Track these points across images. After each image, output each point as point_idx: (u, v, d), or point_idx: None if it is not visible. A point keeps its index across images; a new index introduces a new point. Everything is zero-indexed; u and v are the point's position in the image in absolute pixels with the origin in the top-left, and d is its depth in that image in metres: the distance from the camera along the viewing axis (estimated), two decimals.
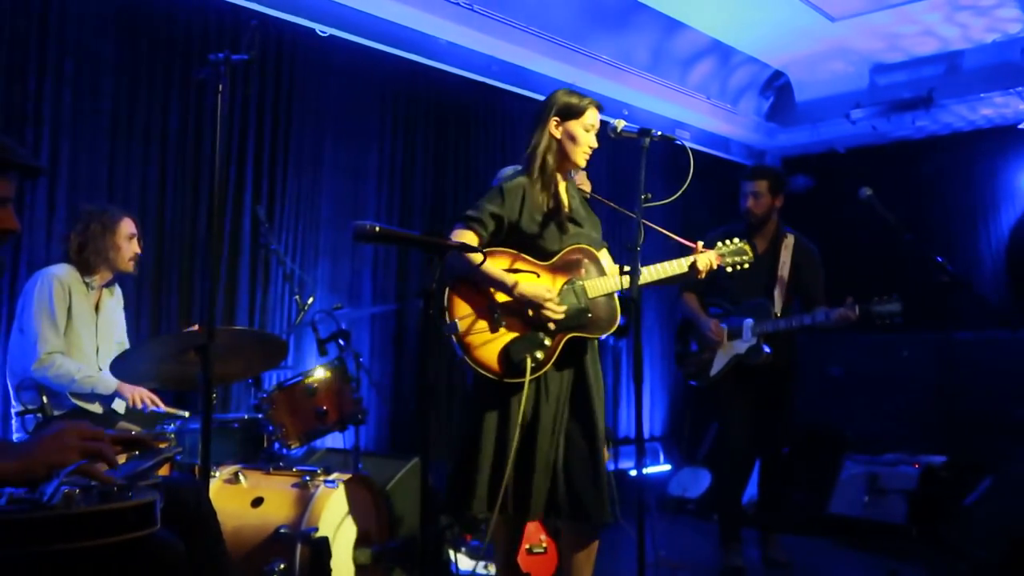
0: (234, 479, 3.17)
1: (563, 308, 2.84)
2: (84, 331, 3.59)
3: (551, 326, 2.84)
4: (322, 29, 5.00)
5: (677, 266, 3.10)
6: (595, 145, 2.99)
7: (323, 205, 5.28)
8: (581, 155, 2.97)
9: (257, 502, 3.09)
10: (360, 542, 3.21)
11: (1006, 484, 4.27)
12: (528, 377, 2.78)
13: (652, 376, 7.33)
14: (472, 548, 4.18)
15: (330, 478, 3.15)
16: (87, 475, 1.48)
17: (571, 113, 2.97)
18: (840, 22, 6.26)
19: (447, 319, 2.83)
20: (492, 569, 3.81)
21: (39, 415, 3.36)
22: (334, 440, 4.52)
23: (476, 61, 5.78)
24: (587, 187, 3.24)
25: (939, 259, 3.99)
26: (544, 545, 3.81)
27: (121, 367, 3.14)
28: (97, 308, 3.71)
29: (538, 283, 2.88)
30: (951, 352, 6.18)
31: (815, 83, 7.39)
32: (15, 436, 3.49)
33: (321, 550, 2.90)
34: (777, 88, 7.71)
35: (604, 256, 3.08)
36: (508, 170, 4.03)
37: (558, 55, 5.88)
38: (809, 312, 4.23)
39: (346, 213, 5.37)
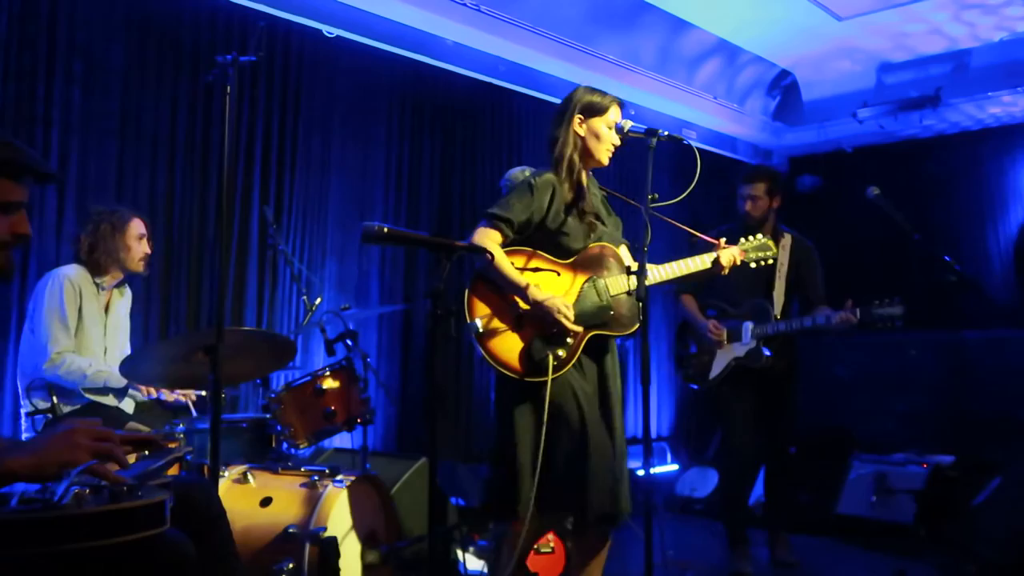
0: (243, 479, 3.18)
1: (576, 324, 2.82)
2: (93, 331, 3.61)
3: (569, 339, 2.82)
4: (329, 30, 5.02)
5: (700, 262, 3.07)
6: (618, 143, 2.97)
7: (331, 206, 5.29)
8: (605, 152, 2.96)
9: (266, 502, 3.09)
10: (368, 542, 3.22)
11: (1015, 484, 4.25)
12: (550, 376, 2.76)
13: (659, 376, 7.33)
14: (480, 548, 4.18)
15: (338, 478, 3.15)
16: (97, 475, 1.49)
17: (594, 110, 2.96)
18: (847, 21, 6.24)
19: (468, 318, 2.82)
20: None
21: (49, 415, 3.37)
22: (342, 440, 4.54)
23: (483, 62, 5.79)
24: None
25: (947, 258, 3.98)
26: (552, 545, 3.81)
27: (130, 368, 3.15)
28: (107, 309, 3.73)
29: (556, 285, 2.87)
30: (959, 351, 6.17)
31: (822, 82, 7.37)
32: (24, 436, 3.50)
33: (329, 550, 2.91)
34: (784, 87, 7.70)
35: (625, 254, 3.05)
36: (516, 171, 4.04)
37: (565, 55, 5.88)
38: (810, 314, 4.21)
39: (354, 214, 5.38)
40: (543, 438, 2.74)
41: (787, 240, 4.38)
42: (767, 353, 4.17)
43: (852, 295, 4.08)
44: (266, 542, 2.97)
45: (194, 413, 3.68)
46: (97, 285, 3.66)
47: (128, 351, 3.88)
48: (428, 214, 5.80)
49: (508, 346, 2.83)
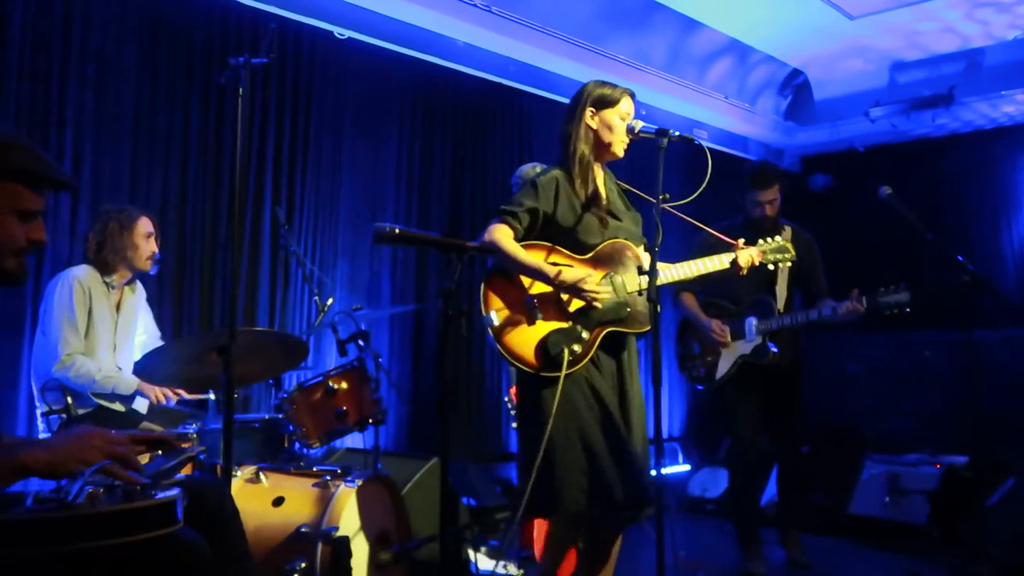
0: (255, 478, 3.19)
1: (606, 290, 2.81)
2: (103, 330, 3.64)
3: (592, 314, 2.81)
4: (340, 32, 5.03)
5: (718, 262, 3.04)
6: (629, 135, 2.94)
7: (342, 206, 5.31)
8: (619, 143, 2.94)
9: (278, 501, 3.10)
10: (380, 541, 3.22)
11: None
12: (564, 371, 2.75)
13: (671, 376, 7.31)
14: (492, 548, 4.19)
15: (350, 478, 3.16)
16: (111, 475, 1.51)
17: (606, 102, 2.95)
18: (859, 20, 6.22)
19: (483, 311, 2.82)
20: (511, 569, 3.82)
21: (63, 415, 3.40)
22: (354, 440, 4.54)
23: (493, 62, 5.79)
24: None
25: (960, 258, 3.95)
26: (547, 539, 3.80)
27: (144, 368, 3.17)
28: (118, 307, 3.75)
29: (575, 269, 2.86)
30: (973, 351, 6.14)
31: (834, 81, 7.34)
32: (40, 436, 3.53)
33: (341, 549, 2.92)
34: (796, 87, 7.68)
35: (643, 252, 3.02)
36: (527, 167, 4.03)
37: (575, 55, 5.88)
38: (815, 306, 4.16)
39: (365, 214, 5.40)
40: (547, 433, 2.72)
41: (787, 233, 4.28)
42: (773, 349, 4.12)
43: (851, 288, 4.05)
44: (278, 541, 2.98)
45: (211, 397, 3.66)
46: (107, 284, 3.68)
47: (159, 336, 3.93)
48: (439, 214, 5.81)
49: (523, 340, 2.82)
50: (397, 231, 2.28)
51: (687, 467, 6.98)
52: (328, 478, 3.15)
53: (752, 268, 3.20)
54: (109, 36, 4.26)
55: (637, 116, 2.98)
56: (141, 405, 3.76)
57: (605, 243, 2.92)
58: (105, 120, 4.25)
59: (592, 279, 2.82)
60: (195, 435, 3.23)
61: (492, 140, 6.14)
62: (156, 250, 3.77)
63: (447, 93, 5.81)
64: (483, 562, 4.00)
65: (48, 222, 3.95)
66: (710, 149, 2.87)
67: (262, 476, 3.19)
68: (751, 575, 4.20)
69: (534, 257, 2.85)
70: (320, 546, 2.91)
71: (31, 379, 3.67)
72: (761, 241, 3.21)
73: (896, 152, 7.54)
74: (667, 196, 2.74)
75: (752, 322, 4.17)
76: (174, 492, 1.54)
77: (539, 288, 2.85)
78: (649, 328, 2.87)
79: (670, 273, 3.00)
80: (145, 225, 3.73)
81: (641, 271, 2.89)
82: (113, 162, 4.29)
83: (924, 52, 6.74)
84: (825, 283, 4.35)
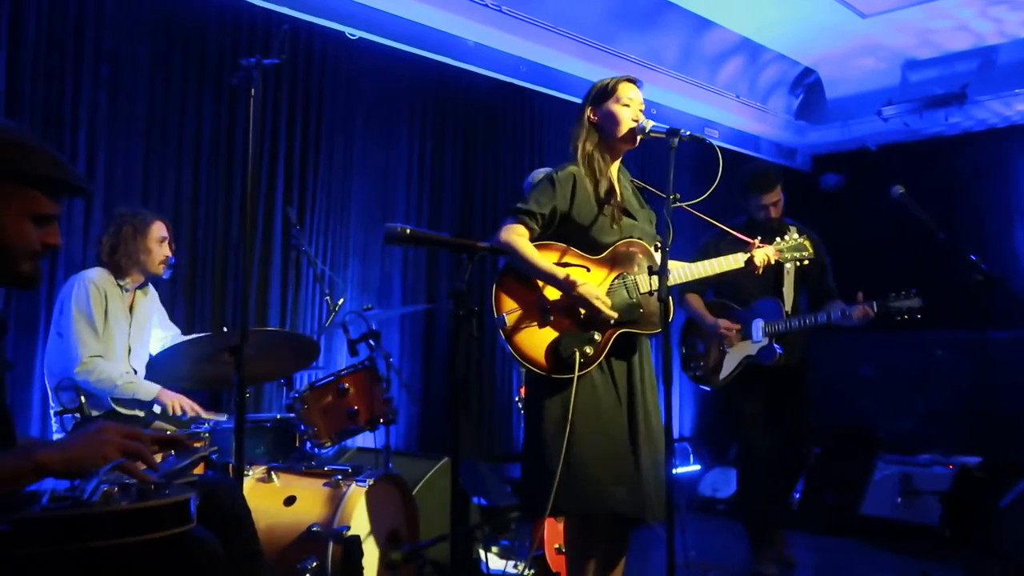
0: (267, 478, 3.20)
1: (613, 313, 2.79)
2: (118, 333, 3.66)
3: (597, 336, 2.79)
4: (351, 32, 5.04)
5: (733, 261, 3.01)
6: (639, 118, 2.90)
7: (353, 207, 5.32)
8: (626, 130, 2.89)
9: (290, 501, 3.12)
10: (391, 541, 3.23)
11: None
12: (576, 373, 2.74)
13: (681, 376, 7.29)
14: (502, 547, 4.19)
15: (361, 477, 3.17)
16: (126, 472, 1.52)
17: (603, 96, 2.94)
18: (871, 18, 6.20)
19: (495, 312, 2.82)
20: (522, 568, 3.82)
21: (77, 415, 3.42)
22: (365, 440, 4.55)
23: (504, 62, 5.80)
24: None
25: (973, 257, 3.93)
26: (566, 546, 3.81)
27: (156, 368, 3.19)
28: (131, 309, 3.77)
29: (587, 280, 2.83)
30: (986, 351, 6.11)
31: (846, 80, 7.32)
32: (54, 435, 3.55)
33: (353, 549, 2.93)
34: (807, 86, 7.65)
35: (656, 250, 2.99)
36: (539, 172, 4.02)
37: (586, 55, 5.88)
38: (824, 309, 4.14)
39: (376, 214, 5.41)
40: (566, 436, 2.72)
41: (792, 233, 4.27)
42: (779, 350, 4.09)
43: (877, 294, 4.04)
44: (290, 541, 2.99)
45: (224, 418, 3.68)
46: (121, 287, 3.70)
47: (177, 333, 3.95)
48: (450, 214, 5.82)
49: (535, 342, 2.81)
50: (408, 231, 2.29)
51: (698, 467, 6.97)
52: (339, 477, 3.16)
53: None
54: (122, 36, 4.28)
55: (648, 115, 2.96)
56: (156, 408, 3.78)
57: (619, 242, 2.90)
58: (118, 120, 4.27)
59: (603, 297, 2.79)
60: (207, 435, 3.25)
61: (503, 140, 6.14)
62: (170, 254, 3.78)
63: (458, 93, 5.81)
64: (494, 562, 4.01)
65: (62, 224, 3.96)
66: (721, 148, 2.86)
67: (274, 475, 3.21)
68: None
69: (548, 259, 2.84)
70: (331, 545, 2.92)
71: (45, 379, 3.69)
72: (778, 239, 3.19)
73: (909, 151, 7.50)
74: (678, 196, 2.73)
75: (759, 324, 4.15)
76: (188, 491, 1.55)
77: (551, 289, 2.84)
78: (660, 329, 2.86)
79: (685, 272, 2.98)
80: (159, 229, 3.74)
81: (652, 271, 2.86)
82: (126, 162, 4.31)
83: (937, 50, 6.71)
84: (833, 284, 4.33)
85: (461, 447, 2.38)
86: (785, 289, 4.25)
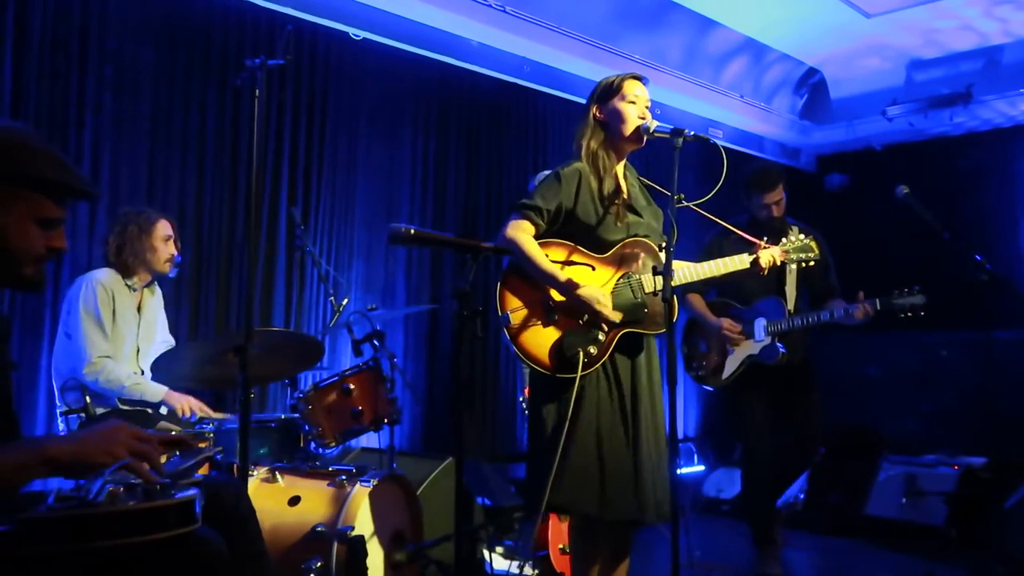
0: (271, 478, 3.21)
1: (617, 314, 2.79)
2: (127, 333, 3.67)
3: (601, 336, 2.78)
4: (356, 33, 5.05)
5: (738, 262, 3.00)
6: (645, 116, 2.89)
7: (357, 207, 5.33)
8: (632, 128, 2.88)
9: (294, 501, 3.12)
10: (395, 541, 3.23)
11: None
12: (579, 372, 2.73)
13: (686, 376, 7.28)
14: (507, 548, 4.19)
15: (365, 477, 3.17)
16: (132, 472, 1.52)
17: (608, 93, 2.93)
18: (876, 18, 6.19)
19: (499, 311, 2.81)
20: (527, 569, 3.82)
21: (82, 415, 3.43)
22: (369, 440, 4.57)
23: (508, 62, 5.79)
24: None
25: (978, 257, 3.93)
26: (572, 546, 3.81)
27: (161, 368, 3.19)
28: (139, 309, 3.78)
29: (591, 280, 2.83)
30: (991, 351, 6.10)
31: (851, 80, 7.31)
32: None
33: (357, 549, 2.93)
34: (812, 86, 7.64)
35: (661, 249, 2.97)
36: (546, 174, 4.02)
37: (590, 55, 5.87)
38: (826, 307, 4.13)
39: (380, 215, 5.42)
40: (566, 435, 2.72)
41: (795, 232, 4.26)
42: (782, 350, 4.07)
43: (880, 293, 4.03)
44: (294, 541, 2.99)
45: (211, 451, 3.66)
46: (128, 287, 3.71)
47: (173, 342, 3.94)
48: (454, 215, 5.82)
49: (539, 341, 2.80)
50: (412, 231, 2.29)
51: (702, 467, 6.97)
52: (343, 478, 3.17)
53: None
54: (127, 37, 4.29)
55: (652, 115, 2.95)
56: (163, 410, 3.79)
57: (625, 240, 2.89)
58: (123, 121, 4.28)
59: (605, 301, 2.79)
60: (212, 435, 3.25)
61: (507, 140, 6.15)
62: (175, 252, 3.79)
63: (462, 93, 5.81)
64: (498, 562, 4.01)
65: (67, 225, 3.97)
66: (725, 148, 2.85)
67: (278, 475, 3.21)
68: None
69: (555, 256, 2.84)
70: (336, 545, 2.92)
71: (51, 380, 3.70)
72: (784, 240, 3.18)
73: (913, 151, 7.49)
74: (682, 196, 2.72)
75: (762, 323, 4.13)
76: (193, 491, 1.55)
77: (556, 293, 2.83)
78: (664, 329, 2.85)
79: (690, 272, 2.97)
80: (164, 228, 3.75)
81: (656, 271, 2.84)
82: (131, 163, 4.31)
83: (942, 50, 6.70)
84: (835, 283, 4.31)
85: (465, 447, 2.38)
86: (787, 288, 4.24)
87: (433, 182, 5.73)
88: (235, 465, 2.86)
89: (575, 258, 2.87)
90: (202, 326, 4.54)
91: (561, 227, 2.90)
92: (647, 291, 2.86)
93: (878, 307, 3.97)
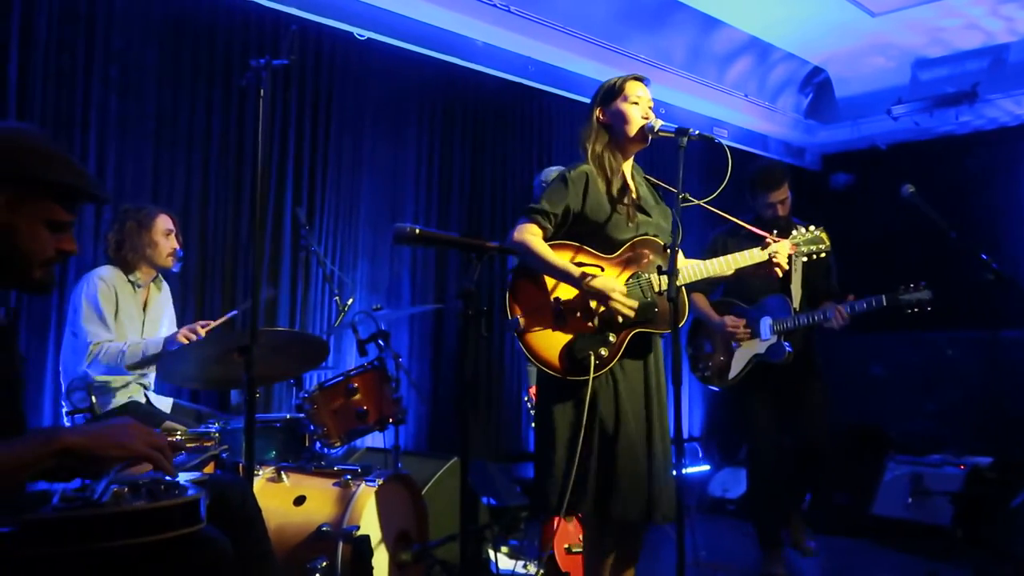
0: (277, 477, 3.21)
1: (631, 303, 2.76)
2: (130, 329, 3.67)
3: (619, 319, 2.77)
4: (360, 33, 5.05)
5: (750, 256, 2.98)
6: (649, 116, 2.89)
7: (362, 207, 5.33)
8: (636, 129, 2.88)
9: (299, 501, 3.12)
10: (400, 541, 3.23)
11: None
12: (591, 375, 2.72)
13: (691, 375, 7.28)
14: (512, 547, 4.19)
15: (370, 477, 3.17)
16: (152, 464, 1.52)
17: (611, 95, 2.92)
18: (881, 17, 6.18)
19: (509, 315, 2.81)
20: (531, 569, 3.82)
21: (88, 415, 3.43)
22: (374, 440, 4.56)
23: (513, 62, 5.80)
24: None
25: (984, 257, 3.91)
26: (583, 545, 3.81)
27: (165, 368, 3.19)
28: (145, 306, 3.78)
29: (604, 276, 2.83)
30: (997, 351, 6.08)
31: (856, 79, 7.30)
32: None
33: (363, 548, 2.93)
34: (817, 84, 7.63)
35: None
36: (552, 170, 4.01)
37: (595, 55, 5.87)
38: (820, 307, 4.11)
39: (385, 214, 5.42)
40: (581, 438, 2.71)
41: (809, 226, 4.24)
42: (788, 348, 4.06)
43: (887, 291, 4.02)
44: (300, 540, 2.99)
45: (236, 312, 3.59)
46: (132, 284, 3.71)
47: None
48: (458, 214, 5.82)
49: (550, 344, 2.80)
50: (417, 231, 2.29)
51: (707, 467, 6.95)
52: (349, 477, 3.16)
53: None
54: (132, 38, 4.30)
55: (657, 115, 2.95)
56: (165, 404, 3.79)
57: (634, 239, 2.88)
58: (128, 121, 4.29)
59: (621, 289, 2.77)
60: (217, 434, 3.25)
61: (512, 140, 6.14)
62: (177, 247, 3.79)
63: (467, 93, 5.81)
64: (503, 562, 4.01)
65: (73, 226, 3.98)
66: (730, 148, 2.84)
67: (283, 475, 3.21)
68: None
69: (561, 258, 2.83)
70: (341, 545, 2.93)
71: (58, 379, 3.71)
72: (794, 233, 3.17)
73: (919, 150, 7.47)
74: (687, 196, 2.72)
75: (767, 321, 4.12)
76: (198, 491, 1.55)
77: (565, 290, 2.82)
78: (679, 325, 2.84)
79: (700, 270, 2.94)
80: (164, 222, 3.75)
81: (661, 271, 2.83)
82: (136, 163, 4.32)
83: (947, 49, 6.68)
84: (835, 283, 4.29)
85: (470, 447, 2.37)
86: (793, 286, 4.21)
87: (438, 182, 5.73)
88: (240, 465, 2.86)
89: (583, 259, 2.86)
90: None
91: (569, 229, 2.89)
92: (657, 290, 2.85)
93: (885, 303, 3.95)
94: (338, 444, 3.53)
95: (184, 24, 4.49)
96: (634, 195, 2.95)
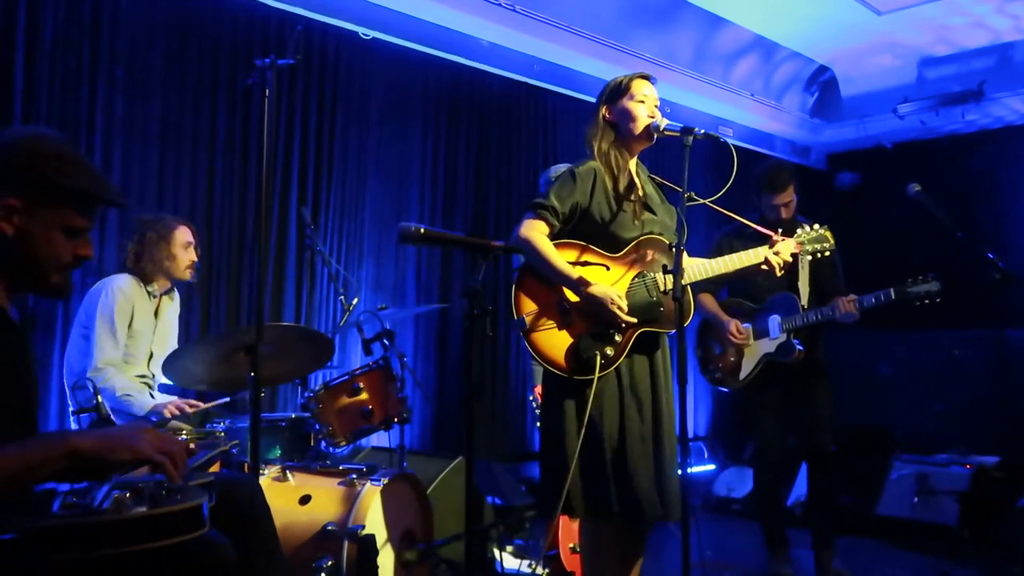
0: (282, 477, 3.21)
1: (631, 319, 2.77)
2: (142, 338, 3.70)
3: (617, 336, 2.77)
4: (365, 32, 5.05)
5: (754, 256, 2.98)
6: (655, 114, 2.88)
7: (367, 206, 5.33)
8: (642, 127, 2.88)
9: (305, 500, 3.13)
10: (405, 540, 3.24)
11: None
12: (597, 374, 2.72)
13: (696, 375, 7.27)
14: (517, 547, 4.19)
15: (376, 476, 3.18)
16: (161, 470, 1.51)
17: (617, 93, 2.92)
18: (887, 15, 6.16)
19: (515, 314, 2.81)
20: (536, 568, 3.82)
21: (94, 414, 3.43)
22: (379, 439, 4.56)
23: (518, 61, 5.79)
24: None
25: (991, 256, 3.90)
26: (582, 546, 3.80)
27: (172, 369, 3.20)
28: (157, 314, 3.79)
29: (606, 279, 2.82)
30: (1003, 350, 6.07)
31: (862, 78, 7.27)
32: None
33: (368, 547, 2.93)
34: (822, 83, 7.61)
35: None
36: (556, 168, 4.01)
37: (600, 54, 5.86)
38: (828, 304, 4.07)
39: (390, 214, 5.42)
40: (582, 438, 2.71)
41: (813, 224, 4.22)
42: (799, 346, 4.03)
43: (895, 284, 4.00)
44: (305, 539, 3.00)
45: (226, 400, 3.62)
46: (148, 293, 3.73)
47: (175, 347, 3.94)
48: (464, 214, 5.83)
49: (555, 343, 2.79)
50: (422, 231, 2.29)
51: (713, 467, 6.95)
52: (354, 476, 3.17)
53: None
54: (137, 38, 4.31)
55: (662, 114, 2.94)
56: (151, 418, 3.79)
57: (639, 238, 2.87)
58: (134, 122, 4.30)
59: (620, 298, 2.77)
60: (223, 434, 3.25)
61: (517, 139, 6.14)
62: (195, 259, 3.79)
63: (472, 93, 5.82)
64: (508, 561, 4.01)
65: None
66: (736, 147, 2.84)
67: (289, 474, 3.22)
68: None
69: (566, 257, 2.82)
70: (347, 544, 2.93)
71: (63, 378, 3.72)
72: (799, 232, 3.17)
73: (925, 149, 7.45)
74: (692, 195, 2.71)
75: (776, 319, 4.10)
76: (201, 496, 1.54)
77: (571, 293, 2.81)
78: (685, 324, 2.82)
79: (705, 269, 2.94)
80: (184, 234, 3.75)
81: (667, 270, 2.82)
82: (142, 163, 4.33)
83: (953, 47, 6.65)
84: (842, 282, 4.28)
85: (475, 446, 2.37)
86: (800, 284, 4.18)
87: (443, 181, 5.73)
88: (246, 464, 2.86)
89: (589, 258, 2.85)
90: (213, 326, 4.56)
91: (576, 226, 2.89)
92: (662, 290, 2.85)
93: (894, 296, 3.94)
94: (343, 443, 3.54)
95: (189, 24, 4.50)
96: (640, 193, 2.94)
